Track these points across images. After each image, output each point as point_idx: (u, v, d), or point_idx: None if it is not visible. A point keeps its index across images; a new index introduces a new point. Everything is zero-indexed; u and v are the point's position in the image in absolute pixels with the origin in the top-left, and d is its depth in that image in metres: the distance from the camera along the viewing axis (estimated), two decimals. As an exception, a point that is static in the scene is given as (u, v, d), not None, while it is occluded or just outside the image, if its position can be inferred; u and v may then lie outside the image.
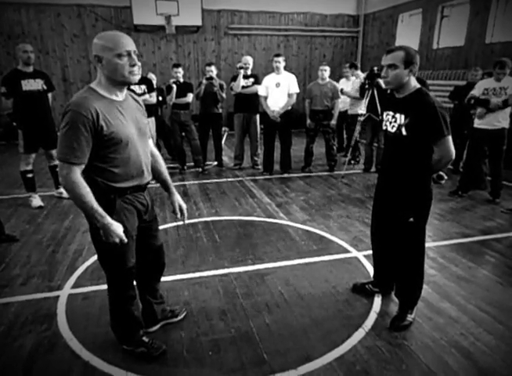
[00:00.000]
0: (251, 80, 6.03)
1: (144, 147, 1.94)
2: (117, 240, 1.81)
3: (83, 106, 1.67)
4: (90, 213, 1.74)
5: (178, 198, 2.21)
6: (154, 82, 6.67)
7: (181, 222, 2.29)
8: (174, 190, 2.20)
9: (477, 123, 4.70)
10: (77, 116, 1.65)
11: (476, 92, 4.66)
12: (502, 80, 4.44)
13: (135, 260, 2.03)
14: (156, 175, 2.15)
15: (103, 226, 1.77)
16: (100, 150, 1.75)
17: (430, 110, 2.11)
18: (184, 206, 2.23)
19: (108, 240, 1.80)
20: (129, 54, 1.74)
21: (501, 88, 4.44)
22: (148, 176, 2.00)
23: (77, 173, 1.70)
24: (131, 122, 1.85)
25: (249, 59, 6.13)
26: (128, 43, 1.75)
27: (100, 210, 1.74)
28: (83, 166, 1.72)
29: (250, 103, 5.95)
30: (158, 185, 2.22)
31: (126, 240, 1.84)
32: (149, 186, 2.06)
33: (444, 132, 2.12)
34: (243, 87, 6.00)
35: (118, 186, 1.84)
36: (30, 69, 4.39)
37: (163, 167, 2.17)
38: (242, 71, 6.00)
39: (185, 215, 2.24)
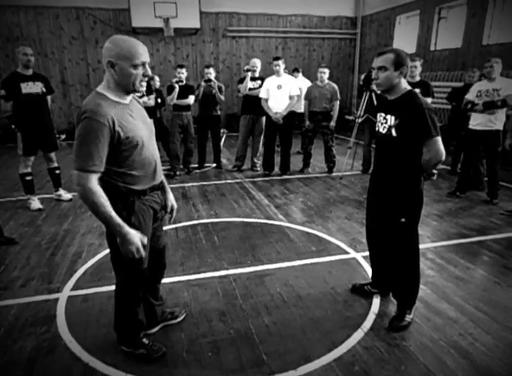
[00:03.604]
0: (259, 82, 6.06)
1: (154, 146, 1.97)
2: (134, 250, 1.79)
3: (100, 114, 1.65)
4: (108, 222, 1.72)
5: (171, 197, 2.19)
6: (158, 84, 6.69)
7: (167, 221, 2.25)
8: (168, 189, 2.18)
9: (472, 124, 4.72)
10: (95, 123, 1.64)
11: (470, 95, 4.70)
12: (495, 81, 4.46)
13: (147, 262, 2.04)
14: None
15: (121, 235, 1.75)
16: (118, 155, 1.75)
17: (419, 111, 2.13)
18: (175, 206, 2.22)
19: (126, 250, 1.79)
20: (144, 65, 1.74)
21: (494, 89, 4.45)
22: (161, 175, 2.02)
23: (95, 181, 1.68)
24: (142, 123, 1.87)
25: (257, 62, 6.18)
26: (145, 54, 1.74)
27: (118, 219, 1.72)
28: (99, 174, 1.71)
29: (258, 104, 5.94)
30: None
31: (143, 251, 1.82)
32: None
33: (432, 133, 2.14)
34: (251, 89, 6.04)
35: (138, 189, 1.86)
36: (30, 72, 4.40)
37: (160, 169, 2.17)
38: (249, 73, 6.04)
39: (174, 215, 2.23)
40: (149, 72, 1.79)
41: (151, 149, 1.90)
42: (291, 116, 5.90)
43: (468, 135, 4.81)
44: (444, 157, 2.21)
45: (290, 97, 5.78)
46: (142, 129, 1.84)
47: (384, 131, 2.32)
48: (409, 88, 2.25)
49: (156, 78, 6.82)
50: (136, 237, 1.78)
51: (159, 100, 6.38)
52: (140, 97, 5.27)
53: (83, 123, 1.66)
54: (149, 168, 1.90)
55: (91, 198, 1.67)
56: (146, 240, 1.82)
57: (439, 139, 2.17)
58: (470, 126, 4.74)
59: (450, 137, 5.88)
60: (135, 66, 1.72)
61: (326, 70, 6.05)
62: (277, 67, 5.71)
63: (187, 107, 6.04)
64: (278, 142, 6.27)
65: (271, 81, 5.78)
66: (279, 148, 6.48)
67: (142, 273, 2.01)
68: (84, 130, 1.65)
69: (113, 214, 1.71)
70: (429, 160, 2.21)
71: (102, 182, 1.73)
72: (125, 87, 1.77)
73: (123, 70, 1.71)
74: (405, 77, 2.24)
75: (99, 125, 1.64)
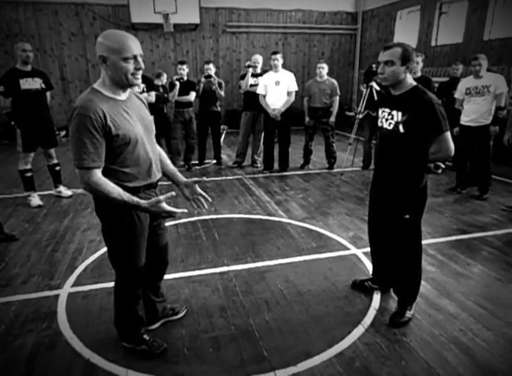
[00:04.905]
0: (260, 78, 6.00)
1: (152, 144, 1.94)
2: (166, 215, 1.82)
3: (90, 109, 1.65)
4: (126, 206, 1.74)
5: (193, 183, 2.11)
6: (165, 81, 6.65)
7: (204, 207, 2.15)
8: (183, 178, 2.14)
9: (464, 121, 4.71)
10: (86, 119, 1.64)
11: (459, 93, 4.72)
12: (484, 77, 4.44)
13: (145, 259, 2.04)
14: (166, 168, 2.13)
15: (145, 211, 1.79)
16: (110, 152, 1.74)
17: (429, 108, 2.11)
18: (199, 192, 2.13)
19: (163, 216, 1.86)
20: (135, 58, 1.72)
21: (483, 86, 4.44)
22: (158, 173, 2.00)
23: (98, 174, 1.69)
24: (138, 121, 1.85)
25: (258, 58, 6.12)
26: (135, 46, 1.72)
27: (134, 199, 1.74)
28: (101, 168, 1.72)
29: (259, 101, 5.92)
30: (167, 183, 2.19)
31: (174, 208, 1.81)
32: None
33: (443, 128, 2.13)
34: (252, 85, 5.99)
35: (131, 186, 1.84)
36: (29, 68, 4.38)
37: (167, 159, 2.16)
38: (251, 70, 6.00)
39: (203, 204, 2.13)
40: (142, 65, 1.76)
41: (147, 147, 1.88)
42: (289, 112, 5.86)
43: (461, 130, 4.80)
44: (453, 153, 2.21)
45: (289, 93, 5.75)
46: (137, 127, 1.82)
47: (390, 128, 2.30)
48: (414, 83, 2.23)
49: (164, 75, 6.83)
50: (156, 206, 1.76)
51: (166, 95, 6.37)
52: (140, 93, 5.25)
53: (75, 120, 1.66)
54: (143, 166, 1.87)
55: (99, 190, 1.69)
56: (162, 197, 1.77)
57: (449, 134, 2.16)
58: (462, 122, 4.74)
59: None
60: (126, 60, 1.70)
61: (325, 66, 6.02)
62: (275, 62, 5.65)
63: (188, 104, 6.02)
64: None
65: (269, 77, 5.72)
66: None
67: (139, 271, 2.01)
68: (77, 127, 1.65)
69: (126, 197, 1.72)
70: (438, 155, 2.21)
71: None
72: (119, 81, 1.75)
73: (114, 64, 1.70)
74: (410, 72, 2.22)
75: (90, 120, 1.64)
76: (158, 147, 2.10)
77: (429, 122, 2.13)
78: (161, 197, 1.76)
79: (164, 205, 1.78)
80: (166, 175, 2.13)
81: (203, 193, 2.12)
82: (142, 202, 1.76)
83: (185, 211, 1.91)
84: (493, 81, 4.42)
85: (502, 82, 4.43)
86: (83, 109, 1.65)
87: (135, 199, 1.75)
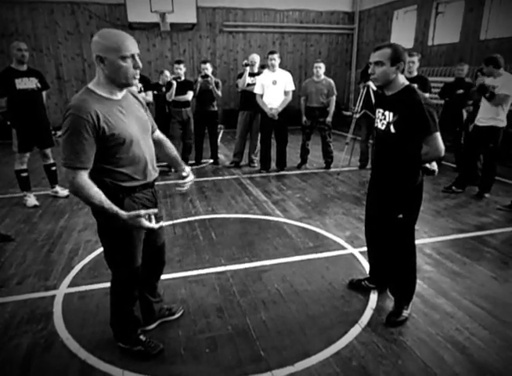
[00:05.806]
0: (257, 78, 5.98)
1: (148, 144, 1.93)
2: (144, 229, 1.85)
3: (83, 110, 1.64)
4: (104, 213, 1.73)
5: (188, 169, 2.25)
6: (168, 79, 6.61)
7: (183, 188, 2.30)
8: (183, 165, 2.24)
9: (476, 119, 4.72)
10: (78, 120, 1.63)
11: None
12: (498, 77, 4.43)
13: (141, 259, 2.03)
14: (167, 154, 2.19)
15: (122, 223, 1.76)
16: (105, 152, 1.73)
17: (417, 108, 2.11)
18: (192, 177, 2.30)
19: (137, 230, 1.87)
20: (133, 56, 1.72)
21: (492, 86, 4.43)
22: (154, 173, 1.99)
23: (84, 176, 1.68)
24: (133, 120, 1.84)
25: (255, 57, 6.09)
26: (133, 45, 1.72)
27: (114, 208, 1.72)
28: (89, 169, 1.71)
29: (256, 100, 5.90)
30: (163, 183, 2.21)
31: (151, 224, 1.83)
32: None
33: (431, 129, 2.13)
34: (249, 84, 5.97)
35: (127, 186, 1.83)
36: (24, 67, 4.36)
37: (168, 142, 2.20)
38: (248, 68, 5.98)
39: (186, 182, 2.29)
40: (140, 64, 1.75)
41: (143, 146, 1.87)
42: (287, 112, 5.85)
43: (472, 130, 4.81)
44: (443, 153, 2.21)
45: (286, 93, 5.74)
46: (132, 126, 1.81)
47: (382, 128, 2.31)
48: (406, 83, 2.23)
49: (167, 73, 6.78)
50: (134, 220, 1.77)
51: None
52: (138, 93, 5.22)
53: (67, 119, 1.65)
54: (139, 166, 1.87)
55: (81, 192, 1.68)
56: (143, 212, 1.79)
57: (438, 134, 2.16)
58: (475, 121, 4.75)
59: (444, 133, 5.87)
60: (124, 58, 1.69)
61: (322, 65, 6.02)
62: (273, 61, 5.63)
63: (186, 103, 6.00)
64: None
65: (265, 77, 5.71)
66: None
67: (135, 271, 2.00)
68: (69, 127, 1.64)
69: (106, 204, 1.71)
70: (428, 156, 2.21)
71: (91, 178, 1.72)
72: (117, 80, 1.74)
73: (112, 64, 1.69)
74: (402, 72, 2.22)
75: (82, 122, 1.63)
76: (163, 137, 2.16)
77: (417, 122, 2.12)
78: (142, 212, 1.77)
79: (143, 221, 1.79)
80: (168, 159, 2.21)
81: (188, 184, 2.31)
82: (121, 213, 1.74)
83: (163, 224, 2.00)
84: (501, 81, 4.34)
85: (509, 84, 4.28)
86: (76, 109, 1.64)
87: (115, 208, 1.73)
